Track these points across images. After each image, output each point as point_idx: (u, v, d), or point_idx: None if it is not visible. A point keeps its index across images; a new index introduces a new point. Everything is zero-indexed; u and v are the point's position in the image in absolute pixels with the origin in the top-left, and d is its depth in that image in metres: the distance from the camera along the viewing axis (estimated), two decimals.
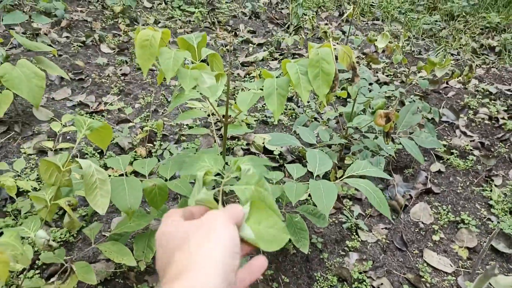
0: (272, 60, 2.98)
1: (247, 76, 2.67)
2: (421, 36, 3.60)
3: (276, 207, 0.56)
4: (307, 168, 1.25)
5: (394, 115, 1.47)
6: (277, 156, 1.87)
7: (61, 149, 1.71)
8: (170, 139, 1.96)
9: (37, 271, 1.22)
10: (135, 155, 1.77)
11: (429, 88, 2.53)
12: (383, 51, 3.18)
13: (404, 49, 3.24)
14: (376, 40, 2.32)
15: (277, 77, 0.96)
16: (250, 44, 3.17)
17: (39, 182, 1.55)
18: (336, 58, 0.95)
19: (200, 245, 0.39)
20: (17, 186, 1.23)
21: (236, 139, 1.98)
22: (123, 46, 2.82)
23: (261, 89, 1.04)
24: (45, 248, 0.85)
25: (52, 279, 1.17)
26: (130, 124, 2.02)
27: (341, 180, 1.15)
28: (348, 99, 2.40)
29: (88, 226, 1.16)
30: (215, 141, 1.95)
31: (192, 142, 1.95)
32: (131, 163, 1.50)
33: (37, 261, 1.24)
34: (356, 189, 1.70)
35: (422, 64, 2.14)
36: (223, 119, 1.09)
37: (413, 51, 3.25)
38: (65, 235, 1.36)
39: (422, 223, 1.55)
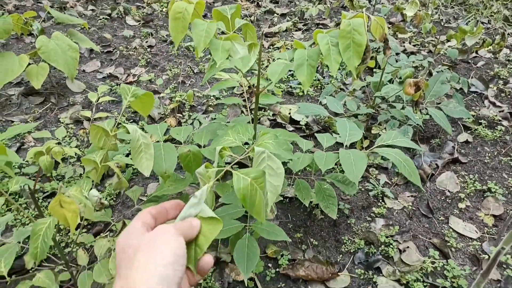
0: (296, 30, 2.95)
1: (271, 46, 2.67)
2: (450, 3, 3.47)
3: (263, 210, 0.59)
4: (335, 138, 1.28)
5: (423, 84, 1.46)
6: (303, 126, 1.90)
7: (97, 119, 1.78)
8: (198, 110, 2.01)
9: (83, 230, 1.32)
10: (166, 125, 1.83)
11: (458, 58, 2.47)
12: (411, 20, 3.09)
13: (432, 17, 3.14)
14: (404, 8, 2.27)
15: (309, 46, 0.98)
16: (274, 15, 3.14)
17: (79, 150, 1.64)
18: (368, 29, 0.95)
19: (143, 263, 0.40)
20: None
21: (263, 110, 2.01)
22: (147, 18, 2.84)
23: (291, 60, 1.07)
24: (98, 206, 0.92)
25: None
26: (160, 95, 2.08)
27: (370, 150, 1.18)
28: (374, 69, 2.38)
29: (130, 189, 1.24)
30: (242, 112, 1.99)
31: (220, 112, 1.99)
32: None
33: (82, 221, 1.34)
34: (382, 159, 1.72)
35: (453, 33, 2.09)
36: (255, 89, 1.12)
37: (441, 19, 3.15)
38: (106, 199, 1.45)
39: (449, 191, 1.57)
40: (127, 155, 1.59)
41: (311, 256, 1.29)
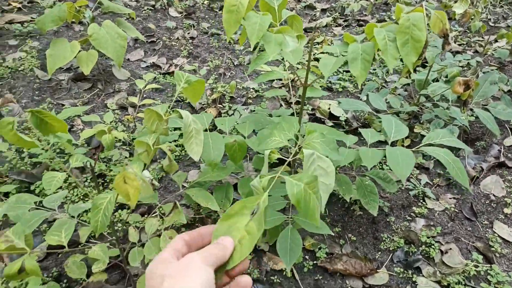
0: (336, 26, 2.92)
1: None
2: (499, 3, 3.32)
3: (317, 213, 0.58)
4: (380, 134, 1.26)
5: (473, 83, 1.42)
6: (343, 122, 1.88)
7: (141, 106, 1.84)
8: (238, 101, 2.03)
9: (129, 210, 1.37)
10: (211, 115, 1.87)
11: (507, 59, 2.37)
12: (455, 19, 2.99)
13: (480, 16, 3.02)
14: (451, 6, 2.19)
15: (361, 41, 0.97)
16: (314, 10, 3.11)
17: (126, 134, 1.70)
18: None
19: None
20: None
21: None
22: (189, 10, 2.89)
23: (342, 55, 1.06)
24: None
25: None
26: None
27: (417, 148, 1.15)
28: (417, 67, 2.32)
29: (176, 174, 1.28)
30: (280, 105, 2.00)
31: (259, 105, 2.01)
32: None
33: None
34: (423, 158, 1.68)
35: (504, 32, 2.01)
36: (302, 82, 1.12)
37: (489, 19, 3.03)
38: None
39: (493, 195, 1.51)
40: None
41: (349, 251, 1.29)
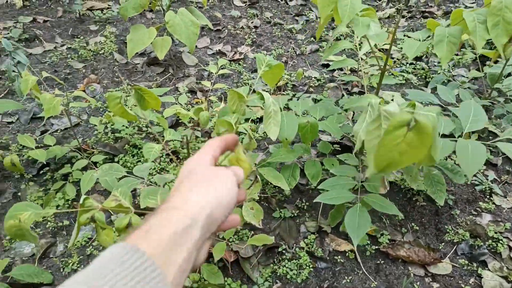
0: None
1: None
2: None
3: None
4: (454, 124, 1.26)
5: None
6: None
7: (206, 92, 1.95)
8: (300, 90, 2.08)
9: None
10: (286, 97, 1.94)
11: None
12: None
13: None
14: None
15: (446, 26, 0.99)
16: (378, 1, 3.06)
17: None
18: None
19: (202, 192, 0.43)
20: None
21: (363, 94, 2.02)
22: (253, 0, 2.96)
23: (424, 40, 1.07)
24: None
25: None
26: None
27: (493, 142, 1.14)
28: (486, 62, 2.23)
29: (247, 154, 1.36)
30: (342, 95, 2.02)
31: (320, 94, 2.04)
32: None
33: None
34: (491, 154, 1.64)
35: None
36: (381, 67, 1.15)
37: None
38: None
39: None
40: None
41: (411, 240, 1.31)
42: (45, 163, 1.51)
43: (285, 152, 1.34)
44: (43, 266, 1.20)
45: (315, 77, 2.17)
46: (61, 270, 1.19)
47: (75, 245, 1.26)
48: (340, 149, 1.62)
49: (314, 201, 1.11)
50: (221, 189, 0.44)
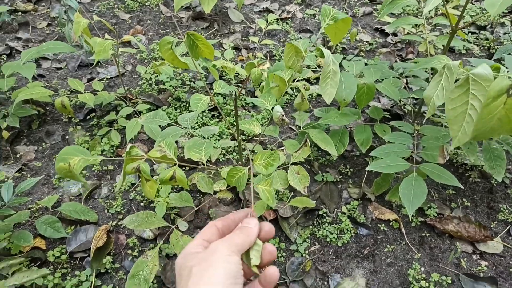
0: None
1: None
2: None
3: None
4: None
5: None
6: None
7: (252, 48, 1.89)
8: (349, 53, 1.98)
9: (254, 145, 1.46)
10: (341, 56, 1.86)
11: None
12: None
13: None
14: None
15: None
16: None
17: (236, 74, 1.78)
18: None
19: (195, 285, 0.39)
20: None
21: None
22: None
23: None
24: (279, 122, 1.00)
25: None
26: (309, 34, 2.09)
27: None
28: None
29: (296, 113, 1.31)
30: (395, 60, 1.90)
31: (371, 58, 1.93)
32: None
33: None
34: None
35: None
36: (453, 26, 1.05)
37: None
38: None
39: None
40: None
41: (461, 215, 1.24)
42: (93, 107, 1.53)
43: (338, 115, 1.28)
44: (89, 205, 1.24)
45: (366, 41, 2.05)
46: (106, 211, 1.23)
47: (119, 189, 1.29)
48: (390, 117, 1.53)
49: (367, 168, 1.06)
50: (213, 278, 0.40)
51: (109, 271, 1.07)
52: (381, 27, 2.17)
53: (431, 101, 0.83)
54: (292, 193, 1.31)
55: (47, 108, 1.60)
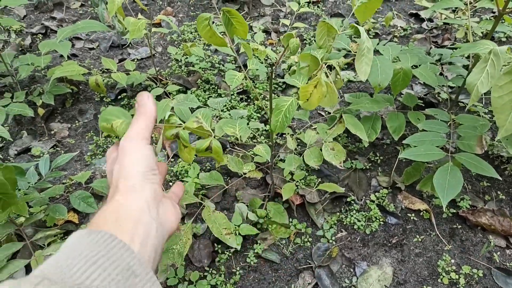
0: None
1: None
2: None
3: None
4: None
5: None
6: None
7: (283, 32, 1.86)
8: (382, 38, 1.92)
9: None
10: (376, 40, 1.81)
11: None
12: None
13: None
14: None
15: None
16: None
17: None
18: None
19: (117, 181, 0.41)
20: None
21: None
22: None
23: None
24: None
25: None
26: (341, 18, 2.03)
27: None
28: None
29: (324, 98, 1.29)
30: (430, 47, 1.83)
31: (405, 45, 1.87)
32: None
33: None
34: None
35: None
36: (500, 10, 0.99)
37: None
38: None
39: None
40: None
41: (495, 208, 1.20)
42: (125, 86, 1.56)
43: (369, 100, 1.25)
44: None
45: (401, 27, 1.98)
46: None
47: None
48: (423, 105, 1.49)
49: (399, 156, 1.04)
50: (136, 162, 0.43)
51: None
52: (416, 12, 2.09)
53: (475, 89, 0.79)
54: (320, 179, 1.29)
55: (80, 87, 1.64)
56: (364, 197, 1.26)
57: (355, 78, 1.71)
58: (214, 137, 0.87)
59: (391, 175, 1.31)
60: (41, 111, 1.47)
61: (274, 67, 0.90)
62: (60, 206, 1.06)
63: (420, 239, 1.14)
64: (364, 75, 1.01)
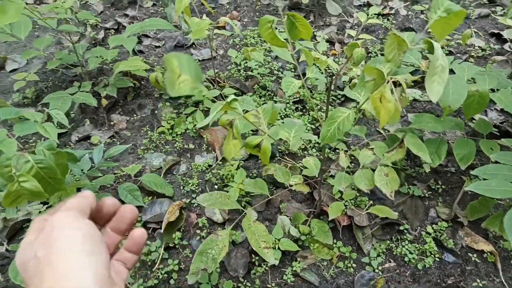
0: None
1: None
2: None
3: None
4: None
5: None
6: None
7: (347, 43, 1.79)
8: (457, 58, 1.77)
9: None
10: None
11: None
12: None
13: None
14: None
15: None
16: None
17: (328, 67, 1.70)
18: None
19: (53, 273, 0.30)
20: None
21: None
22: None
23: None
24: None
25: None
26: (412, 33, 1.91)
27: None
28: None
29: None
30: None
31: (483, 66, 1.71)
32: None
33: None
34: None
35: None
36: None
37: None
38: None
39: None
40: None
41: None
42: None
43: (433, 119, 1.15)
44: (167, 180, 1.28)
45: (479, 46, 1.82)
46: (181, 188, 1.26)
47: (197, 168, 1.31)
48: (498, 134, 1.34)
49: (465, 188, 0.93)
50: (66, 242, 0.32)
51: (177, 246, 1.09)
52: (498, 32, 1.91)
53: None
54: (371, 202, 1.21)
55: (142, 82, 1.69)
56: (419, 227, 1.15)
57: (421, 97, 1.59)
58: (267, 135, 0.84)
59: (453, 207, 1.18)
60: (104, 102, 1.54)
61: (334, 78, 0.84)
62: (106, 196, 1.09)
63: (481, 284, 1.01)
64: (436, 95, 0.92)
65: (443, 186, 1.25)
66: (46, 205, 1.15)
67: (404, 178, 1.28)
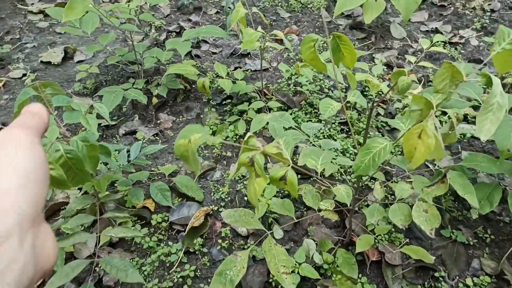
0: None
1: None
2: None
3: None
4: None
5: None
6: None
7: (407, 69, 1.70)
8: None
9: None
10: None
11: None
12: None
13: None
14: None
15: None
16: None
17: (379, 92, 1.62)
18: None
19: None
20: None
21: None
22: None
23: None
24: None
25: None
26: (481, 66, 1.77)
27: None
28: None
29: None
30: None
31: None
32: None
33: None
34: None
35: None
36: None
37: None
38: None
39: None
40: None
41: None
42: (230, 94, 1.60)
43: (487, 160, 1.04)
44: (199, 184, 1.29)
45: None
46: (211, 194, 1.26)
47: (231, 178, 1.31)
48: None
49: None
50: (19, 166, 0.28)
51: (196, 252, 1.09)
52: None
53: None
54: (407, 240, 1.12)
55: (193, 86, 1.74)
56: (457, 277, 1.04)
57: None
58: (292, 167, 0.80)
59: (501, 262, 1.06)
60: (154, 100, 1.59)
61: (375, 105, 0.79)
62: (138, 191, 1.12)
63: None
64: (486, 134, 0.84)
65: (492, 236, 1.12)
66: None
67: (448, 221, 1.17)
